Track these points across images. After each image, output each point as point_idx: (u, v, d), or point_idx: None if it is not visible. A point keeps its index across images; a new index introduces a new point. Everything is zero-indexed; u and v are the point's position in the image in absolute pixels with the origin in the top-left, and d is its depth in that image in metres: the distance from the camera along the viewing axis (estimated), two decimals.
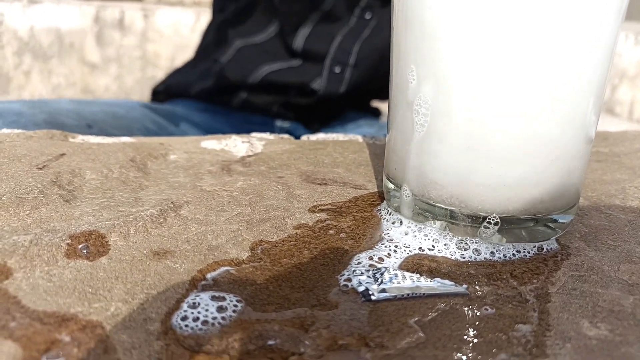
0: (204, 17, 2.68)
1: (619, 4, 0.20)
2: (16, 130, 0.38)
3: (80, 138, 0.37)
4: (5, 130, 0.38)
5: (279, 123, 0.88)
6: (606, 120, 1.99)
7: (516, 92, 0.20)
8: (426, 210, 0.23)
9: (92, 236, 0.21)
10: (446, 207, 0.23)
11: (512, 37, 0.20)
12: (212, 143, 0.37)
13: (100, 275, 0.19)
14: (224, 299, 0.18)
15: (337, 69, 0.77)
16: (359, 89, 0.79)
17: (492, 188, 0.22)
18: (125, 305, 0.17)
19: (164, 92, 0.92)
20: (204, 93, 0.86)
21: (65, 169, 0.29)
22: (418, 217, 0.24)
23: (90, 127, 0.64)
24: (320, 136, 0.42)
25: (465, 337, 0.17)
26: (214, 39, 0.86)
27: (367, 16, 0.76)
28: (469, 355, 0.16)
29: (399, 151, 0.24)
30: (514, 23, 0.19)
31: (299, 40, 0.78)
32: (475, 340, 0.17)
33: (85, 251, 0.20)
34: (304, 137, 0.42)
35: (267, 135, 0.41)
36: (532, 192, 0.22)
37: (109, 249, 0.21)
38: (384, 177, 0.27)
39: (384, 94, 0.91)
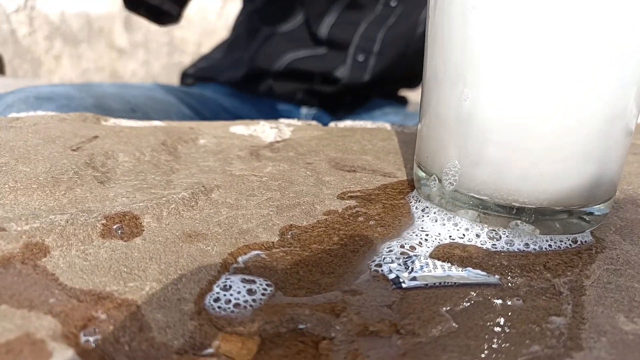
0: (231, 3, 2.68)
1: None
2: (50, 113, 0.39)
3: (112, 121, 0.38)
4: (40, 112, 0.39)
5: (304, 110, 0.88)
6: None
7: (554, 83, 0.20)
8: (458, 200, 0.23)
9: (127, 217, 0.22)
10: (479, 197, 0.22)
11: (552, 28, 0.19)
12: (240, 128, 0.38)
13: (134, 256, 0.19)
14: (254, 282, 0.18)
15: (361, 58, 0.77)
16: (384, 77, 0.79)
17: (527, 179, 0.21)
18: (160, 285, 0.18)
19: (193, 75, 0.93)
20: (233, 81, 0.87)
21: (99, 151, 0.29)
22: (450, 206, 0.23)
23: (134, 111, 0.65)
24: (348, 123, 0.42)
25: (498, 327, 0.17)
26: (245, 29, 0.86)
27: (393, 3, 0.75)
28: (502, 345, 0.16)
29: (432, 140, 0.24)
30: (552, 15, 0.19)
31: (324, 29, 0.77)
32: (508, 331, 0.16)
33: (119, 232, 0.21)
34: (332, 124, 0.42)
35: (294, 122, 0.41)
36: (568, 184, 0.22)
37: (143, 230, 0.21)
38: (415, 165, 0.26)
39: (412, 83, 0.90)
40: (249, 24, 0.85)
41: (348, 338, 0.16)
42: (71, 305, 0.17)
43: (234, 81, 0.87)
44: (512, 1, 0.19)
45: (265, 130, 0.37)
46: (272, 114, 0.87)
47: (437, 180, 0.24)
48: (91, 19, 2.91)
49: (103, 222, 0.21)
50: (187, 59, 2.90)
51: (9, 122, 0.35)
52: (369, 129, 0.39)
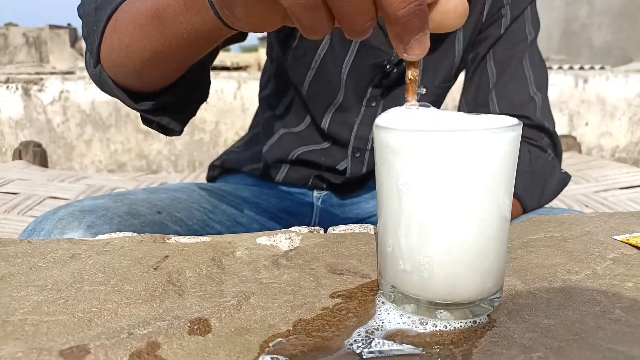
0: (245, 85, 2.93)
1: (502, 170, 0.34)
2: (129, 234, 0.54)
3: (173, 239, 0.53)
4: (119, 234, 0.55)
5: (316, 193, 1.05)
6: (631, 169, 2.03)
7: (452, 237, 0.34)
8: (402, 298, 0.37)
9: (201, 320, 0.36)
10: (415, 297, 0.36)
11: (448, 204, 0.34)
12: (264, 239, 0.52)
13: (210, 346, 0.33)
14: (279, 359, 0.32)
15: (358, 154, 0.94)
16: None
17: (443, 287, 0.35)
18: None
19: (220, 166, 1.11)
20: (255, 172, 1.05)
21: (172, 270, 0.44)
22: (398, 302, 0.37)
23: (160, 212, 0.81)
24: (342, 228, 0.56)
25: None
26: (263, 128, 1.05)
27: (373, 104, 0.92)
28: None
29: (382, 259, 0.38)
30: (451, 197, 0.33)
31: (325, 123, 0.96)
32: None
33: (198, 330, 0.35)
34: (330, 230, 0.56)
35: (303, 230, 0.55)
36: (468, 286, 0.35)
37: (212, 329, 0.35)
38: (378, 273, 0.40)
39: None
40: (267, 125, 1.03)
41: None
42: None
43: (255, 172, 1.05)
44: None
45: (282, 241, 0.52)
46: (287, 198, 1.04)
47: (390, 286, 0.38)
48: (118, 106, 3.19)
49: (188, 324, 0.35)
50: (207, 137, 3.13)
51: (103, 247, 0.50)
52: (356, 234, 0.54)
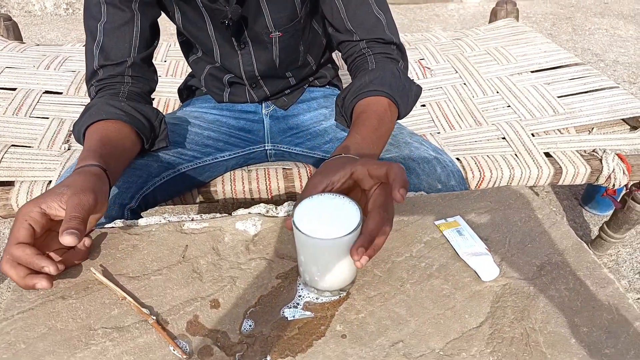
0: None
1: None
2: (157, 220, 0.92)
3: (186, 225, 0.91)
4: (151, 220, 0.92)
5: (264, 110, 1.41)
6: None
7: (326, 257, 0.74)
8: (308, 285, 0.78)
9: (214, 300, 0.77)
10: (315, 287, 0.78)
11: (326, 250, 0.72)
12: (240, 224, 0.91)
13: (221, 315, 0.75)
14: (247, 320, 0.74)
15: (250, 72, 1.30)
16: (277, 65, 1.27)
17: (326, 283, 0.76)
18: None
19: (185, 89, 1.47)
20: (210, 91, 1.40)
21: (192, 259, 0.84)
22: (307, 287, 0.79)
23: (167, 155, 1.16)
24: (287, 209, 0.94)
25: (311, 331, 0.73)
26: (194, 63, 1.42)
27: (243, 46, 1.23)
28: (293, 337, 0.73)
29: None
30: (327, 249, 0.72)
31: (223, 65, 1.32)
32: (313, 331, 0.73)
33: (214, 305, 0.76)
34: (280, 209, 0.94)
35: (262, 210, 0.93)
36: (336, 283, 0.77)
37: (220, 305, 0.77)
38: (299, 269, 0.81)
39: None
40: (194, 63, 1.39)
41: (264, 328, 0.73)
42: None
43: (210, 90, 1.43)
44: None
45: (250, 226, 0.90)
46: (243, 118, 1.40)
47: (302, 279, 0.79)
48: None
49: (209, 302, 0.77)
50: None
51: (149, 237, 0.88)
52: None
